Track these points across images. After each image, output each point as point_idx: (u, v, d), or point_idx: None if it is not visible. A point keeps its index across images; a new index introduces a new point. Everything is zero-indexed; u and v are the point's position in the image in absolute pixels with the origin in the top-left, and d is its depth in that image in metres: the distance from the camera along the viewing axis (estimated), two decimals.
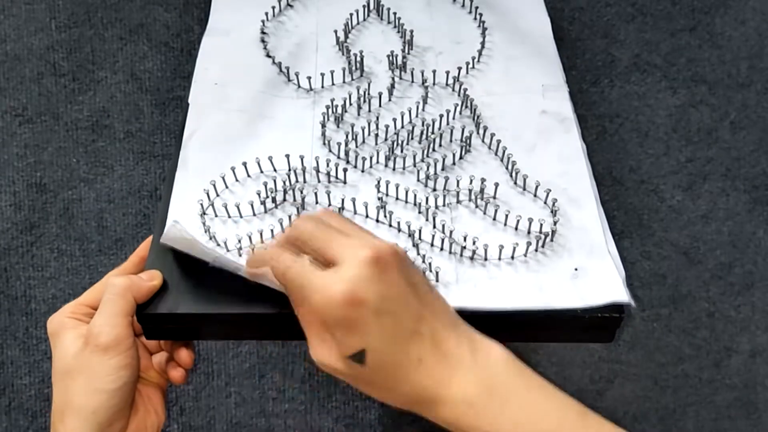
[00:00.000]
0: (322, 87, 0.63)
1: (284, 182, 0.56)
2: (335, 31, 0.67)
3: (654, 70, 0.77)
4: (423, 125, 0.60)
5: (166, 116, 0.76)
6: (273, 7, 0.69)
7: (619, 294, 0.51)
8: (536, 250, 0.54)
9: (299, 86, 0.64)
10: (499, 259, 0.53)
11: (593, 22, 0.76)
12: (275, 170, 0.58)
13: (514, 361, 0.42)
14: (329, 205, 0.56)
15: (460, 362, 0.40)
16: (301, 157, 0.57)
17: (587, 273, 0.53)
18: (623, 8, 0.76)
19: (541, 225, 0.55)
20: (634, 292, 0.77)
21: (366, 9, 0.70)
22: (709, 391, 0.78)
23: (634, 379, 0.78)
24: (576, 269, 0.54)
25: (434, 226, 0.55)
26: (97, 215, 0.76)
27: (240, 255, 0.53)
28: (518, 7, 0.71)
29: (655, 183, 0.77)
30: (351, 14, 0.69)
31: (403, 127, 0.61)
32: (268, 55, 0.65)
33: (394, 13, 0.69)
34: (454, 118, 0.62)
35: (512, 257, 0.54)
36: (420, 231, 0.53)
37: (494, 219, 0.56)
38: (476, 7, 0.70)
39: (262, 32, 0.67)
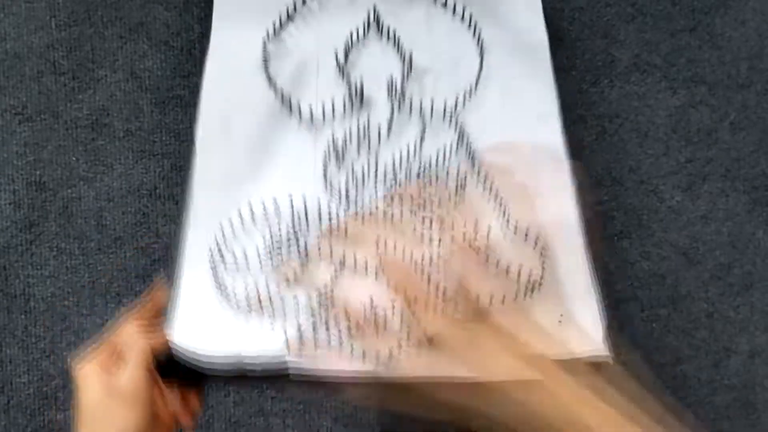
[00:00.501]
0: (323, 119, 0.64)
1: (288, 227, 0.58)
2: (335, 54, 0.67)
3: (654, 71, 0.77)
4: (420, 165, 0.61)
5: (165, 115, 0.76)
6: (273, 22, 0.69)
7: (599, 348, 0.54)
8: (525, 297, 0.55)
9: (301, 117, 0.64)
10: (490, 305, 0.54)
11: (593, 22, 0.76)
12: (280, 213, 0.59)
13: None
14: (330, 256, 0.56)
15: None
16: (304, 201, 0.59)
17: (572, 322, 0.56)
18: (623, 8, 0.76)
19: (531, 272, 0.56)
20: (634, 292, 0.77)
21: (366, 25, 0.70)
22: (708, 391, 0.78)
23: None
24: (561, 315, 0.56)
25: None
26: (96, 214, 0.77)
27: (249, 310, 0.56)
28: (517, 24, 0.70)
29: (654, 183, 0.77)
30: (351, 33, 0.68)
31: (401, 166, 0.62)
32: (270, 82, 0.66)
33: (394, 31, 0.69)
34: (450, 155, 0.62)
35: (503, 303, 0.54)
36: None
37: (486, 263, 0.56)
38: (475, 22, 0.69)
39: (264, 58, 0.68)
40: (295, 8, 0.69)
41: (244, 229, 0.58)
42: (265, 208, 0.59)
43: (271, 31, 0.69)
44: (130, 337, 0.55)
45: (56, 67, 0.76)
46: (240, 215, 0.58)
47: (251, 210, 0.58)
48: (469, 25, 0.70)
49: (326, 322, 0.54)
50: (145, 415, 0.53)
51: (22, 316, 0.77)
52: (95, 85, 0.76)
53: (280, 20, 0.69)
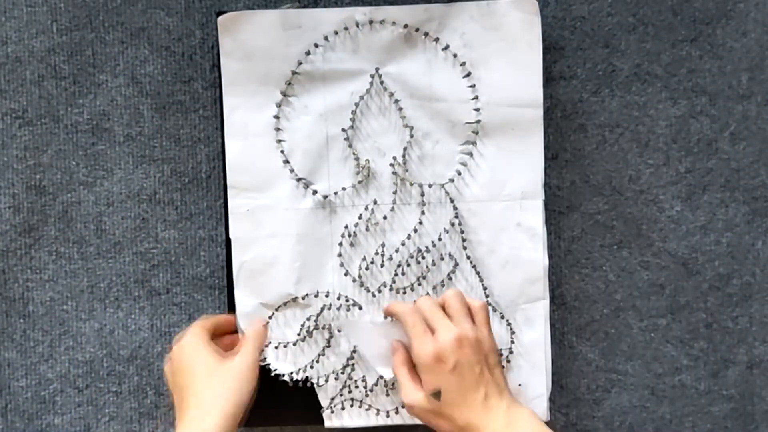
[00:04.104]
0: (336, 194, 0.71)
1: (317, 316, 0.72)
2: (343, 129, 0.71)
3: (654, 81, 0.77)
4: (418, 250, 0.71)
5: (166, 120, 0.76)
6: (281, 84, 0.71)
7: (542, 413, 0.71)
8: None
9: (315, 193, 0.71)
10: None
11: (594, 32, 0.76)
12: (308, 302, 0.72)
13: (536, 418, 0.63)
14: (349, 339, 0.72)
15: (497, 409, 0.62)
16: (327, 293, 0.72)
17: (527, 389, 0.72)
18: (624, 18, 0.76)
19: (501, 350, 0.71)
20: (633, 302, 0.77)
21: (370, 84, 0.71)
22: (706, 401, 0.78)
23: (631, 389, 0.78)
24: (520, 385, 0.72)
25: None
26: (95, 218, 0.76)
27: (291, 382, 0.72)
28: (514, 87, 0.71)
29: (654, 193, 0.77)
30: (356, 103, 0.71)
31: (404, 245, 0.71)
32: (284, 159, 0.71)
33: (396, 100, 0.71)
34: (447, 232, 0.71)
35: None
36: None
37: None
38: (469, 73, 0.71)
39: (276, 128, 0.71)
40: (300, 63, 0.71)
41: (285, 321, 0.72)
42: (295, 302, 0.71)
43: (279, 96, 0.71)
44: (251, 325, 0.70)
45: (57, 71, 0.76)
46: (276, 311, 0.72)
47: (285, 306, 0.72)
48: (467, 75, 0.70)
49: (350, 387, 0.72)
50: (248, 392, 0.65)
51: (21, 320, 0.77)
52: (96, 89, 0.76)
53: (288, 80, 0.71)
